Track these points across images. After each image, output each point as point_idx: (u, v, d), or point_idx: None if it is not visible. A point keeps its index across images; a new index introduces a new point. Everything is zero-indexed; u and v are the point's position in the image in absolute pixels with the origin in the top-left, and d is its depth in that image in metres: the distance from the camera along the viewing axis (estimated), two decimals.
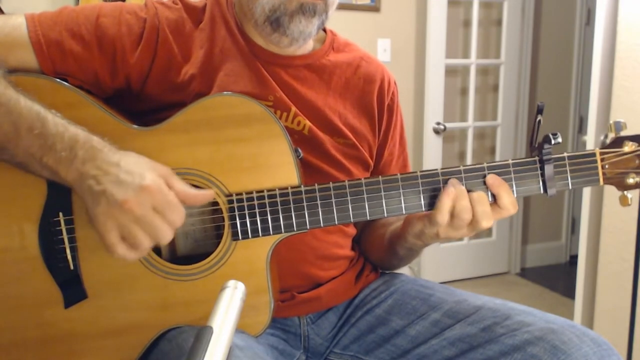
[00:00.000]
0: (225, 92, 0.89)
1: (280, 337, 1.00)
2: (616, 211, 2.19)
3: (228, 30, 0.97)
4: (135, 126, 0.86)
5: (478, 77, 3.30)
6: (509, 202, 0.86)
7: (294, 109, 0.96)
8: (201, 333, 0.49)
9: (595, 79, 2.23)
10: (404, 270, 1.11)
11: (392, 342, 0.97)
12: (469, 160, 3.33)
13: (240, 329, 0.85)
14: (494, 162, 0.88)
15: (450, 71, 3.21)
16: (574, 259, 3.24)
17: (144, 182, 0.76)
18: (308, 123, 0.97)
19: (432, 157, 3.16)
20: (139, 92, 0.92)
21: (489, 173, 0.88)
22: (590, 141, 2.27)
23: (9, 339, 0.85)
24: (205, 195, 0.82)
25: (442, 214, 0.85)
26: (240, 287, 0.54)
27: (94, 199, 0.76)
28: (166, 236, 0.78)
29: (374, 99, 1.05)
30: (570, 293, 2.91)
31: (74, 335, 0.85)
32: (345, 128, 1.01)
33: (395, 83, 1.11)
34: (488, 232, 3.50)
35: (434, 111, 3.12)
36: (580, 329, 0.86)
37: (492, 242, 3.49)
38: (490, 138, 3.45)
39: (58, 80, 0.86)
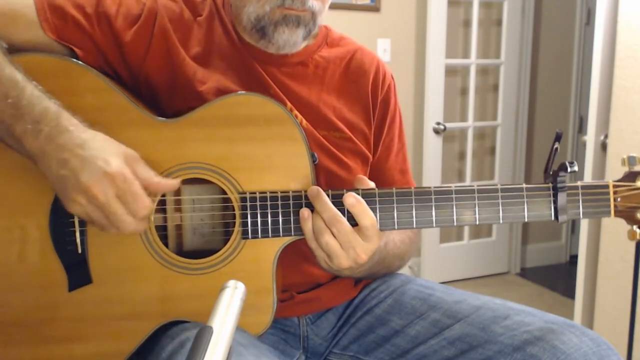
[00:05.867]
0: (247, 92, 0.90)
1: (280, 337, 1.00)
2: None
3: (224, 29, 0.98)
4: (158, 118, 0.86)
5: (478, 77, 3.30)
6: (370, 224, 0.83)
7: (289, 105, 0.97)
8: (201, 333, 0.49)
9: (595, 79, 2.23)
10: (404, 270, 1.11)
11: (391, 342, 0.97)
12: (468, 160, 3.33)
13: (241, 327, 0.85)
14: (508, 184, 0.88)
15: (450, 71, 3.21)
16: (574, 259, 3.24)
17: (108, 168, 0.75)
18: (304, 120, 0.97)
19: (432, 157, 3.16)
20: (137, 74, 0.92)
21: (502, 194, 0.87)
22: (590, 141, 2.27)
23: (8, 317, 0.84)
24: (169, 183, 0.81)
25: (309, 242, 0.85)
26: (240, 287, 0.54)
27: (58, 181, 0.76)
28: (128, 227, 0.78)
29: (368, 91, 1.05)
30: (570, 293, 2.91)
31: (74, 318, 0.85)
32: (341, 122, 1.01)
33: (392, 77, 1.10)
34: (488, 232, 3.51)
35: (434, 111, 3.13)
36: (580, 329, 0.86)
37: (492, 242, 3.49)
38: (490, 138, 3.45)
39: (84, 64, 0.86)
